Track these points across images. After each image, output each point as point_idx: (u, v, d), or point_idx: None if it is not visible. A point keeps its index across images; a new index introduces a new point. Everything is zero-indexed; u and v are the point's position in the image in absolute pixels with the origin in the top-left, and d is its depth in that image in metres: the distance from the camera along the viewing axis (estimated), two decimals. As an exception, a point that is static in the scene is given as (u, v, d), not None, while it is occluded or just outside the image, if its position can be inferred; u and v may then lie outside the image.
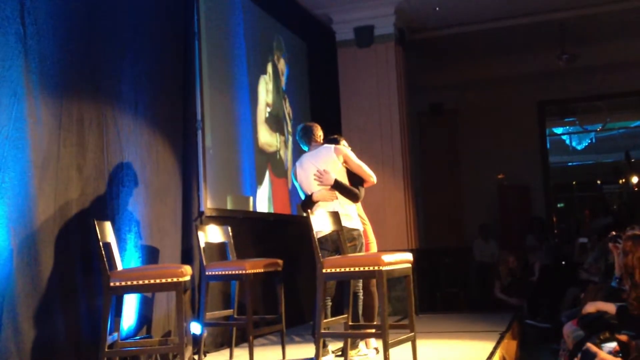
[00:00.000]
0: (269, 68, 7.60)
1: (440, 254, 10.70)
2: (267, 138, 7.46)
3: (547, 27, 9.53)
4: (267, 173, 7.40)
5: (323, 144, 5.17)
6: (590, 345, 3.57)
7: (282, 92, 7.98)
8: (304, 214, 4.61)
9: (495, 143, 11.61)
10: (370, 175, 5.09)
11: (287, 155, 7.89)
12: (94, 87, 4.62)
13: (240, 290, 5.29)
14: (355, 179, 5.08)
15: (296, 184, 5.22)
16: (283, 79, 8.05)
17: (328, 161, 4.98)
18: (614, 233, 5.15)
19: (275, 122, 7.71)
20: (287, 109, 8.07)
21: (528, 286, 8.93)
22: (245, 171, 6.81)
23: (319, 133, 5.19)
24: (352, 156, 5.07)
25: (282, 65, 8.00)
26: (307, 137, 5.18)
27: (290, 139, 8.03)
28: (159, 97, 5.34)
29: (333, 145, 5.07)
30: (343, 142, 5.33)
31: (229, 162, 6.53)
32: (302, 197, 5.15)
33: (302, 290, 7.34)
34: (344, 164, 5.02)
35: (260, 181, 7.18)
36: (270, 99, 7.59)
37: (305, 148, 5.22)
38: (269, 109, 7.53)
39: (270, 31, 7.77)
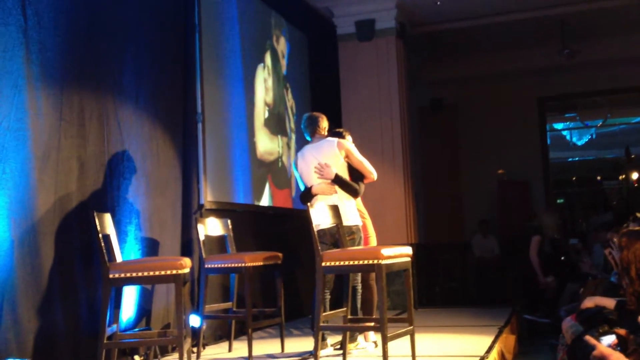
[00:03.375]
0: (268, 59, 7.39)
1: (439, 249, 10.70)
2: (267, 145, 7.20)
3: (548, 22, 9.53)
4: (267, 186, 7.18)
5: (327, 136, 5.15)
6: (589, 338, 3.57)
7: (284, 80, 7.79)
8: (304, 207, 4.61)
9: (495, 138, 11.61)
10: (371, 172, 5.09)
11: (290, 159, 7.63)
12: (95, 79, 4.62)
13: (240, 283, 5.29)
14: (356, 174, 5.07)
15: (296, 174, 5.21)
16: (284, 62, 7.83)
17: (330, 155, 4.97)
18: (608, 236, 5.15)
19: (276, 123, 7.48)
20: (290, 101, 7.88)
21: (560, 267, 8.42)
22: (239, 186, 6.57)
23: (324, 125, 5.17)
24: (355, 151, 5.05)
25: (282, 45, 7.78)
26: (311, 127, 5.14)
27: (294, 137, 7.82)
28: (159, 89, 5.35)
29: (336, 139, 5.05)
30: (348, 137, 5.31)
31: (221, 173, 6.32)
32: (302, 188, 5.16)
33: (301, 284, 7.35)
34: (346, 159, 5.02)
35: (258, 197, 6.96)
36: (270, 97, 7.36)
37: (308, 138, 5.21)
38: (268, 109, 7.29)
39: (268, 15, 7.54)
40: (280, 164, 7.55)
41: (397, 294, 7.75)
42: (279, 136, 7.56)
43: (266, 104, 7.30)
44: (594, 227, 9.38)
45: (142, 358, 4.67)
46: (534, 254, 7.80)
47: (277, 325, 5.27)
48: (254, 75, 7.11)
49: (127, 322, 4.73)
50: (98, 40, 4.68)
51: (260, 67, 7.26)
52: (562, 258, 9.64)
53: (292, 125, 7.89)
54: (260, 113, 7.15)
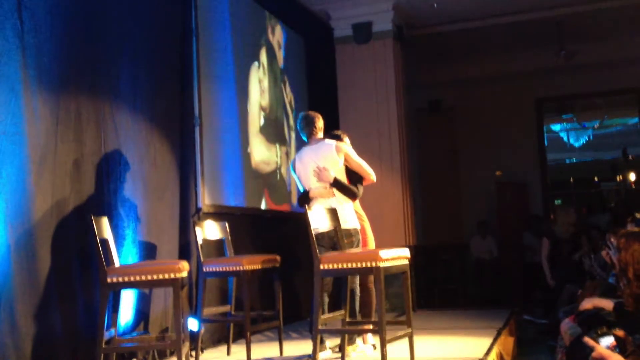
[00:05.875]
0: (263, 57, 7.19)
1: (437, 251, 10.70)
2: (263, 154, 6.93)
3: (545, 23, 9.53)
4: (264, 201, 6.99)
5: (324, 138, 5.14)
6: (588, 339, 3.57)
7: (281, 75, 7.62)
8: (302, 210, 4.60)
9: (493, 140, 11.62)
10: (370, 174, 5.08)
11: (289, 171, 7.10)
12: (91, 83, 4.61)
13: (238, 286, 5.28)
14: (355, 176, 5.06)
15: (294, 177, 5.20)
16: (281, 55, 7.66)
17: (328, 158, 4.95)
18: (606, 237, 5.15)
19: (274, 130, 7.25)
20: (288, 95, 7.67)
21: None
22: (237, 189, 6.43)
23: (320, 125, 5.12)
24: (353, 154, 5.04)
25: (278, 35, 7.59)
26: (308, 128, 5.09)
27: (294, 143, 7.61)
28: (156, 93, 5.34)
29: (334, 142, 5.02)
30: (346, 140, 5.29)
31: (219, 176, 6.16)
32: (301, 190, 5.15)
33: (299, 287, 7.34)
34: (344, 162, 5.01)
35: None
36: (265, 100, 7.14)
37: (305, 139, 5.19)
38: (264, 114, 7.06)
39: (262, 18, 7.36)
40: (278, 176, 7.33)
41: (396, 296, 7.72)
42: (277, 144, 7.37)
43: (262, 108, 7.10)
44: (591, 226, 9.35)
45: (140, 362, 4.66)
46: (544, 257, 7.81)
47: (276, 328, 5.26)
48: (248, 76, 6.93)
49: (125, 326, 4.72)
50: (95, 44, 4.67)
51: (254, 66, 7.06)
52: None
53: (292, 122, 7.67)
54: (255, 118, 6.96)
